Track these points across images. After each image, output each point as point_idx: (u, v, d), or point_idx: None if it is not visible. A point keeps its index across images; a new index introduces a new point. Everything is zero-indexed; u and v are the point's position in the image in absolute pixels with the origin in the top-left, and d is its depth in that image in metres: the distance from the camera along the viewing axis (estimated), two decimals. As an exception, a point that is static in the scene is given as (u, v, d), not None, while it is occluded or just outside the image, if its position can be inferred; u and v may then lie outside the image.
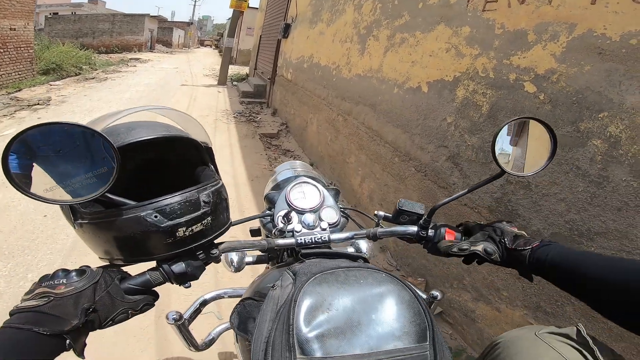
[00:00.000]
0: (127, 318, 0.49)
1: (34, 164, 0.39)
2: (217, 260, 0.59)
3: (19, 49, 8.21)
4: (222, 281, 1.89)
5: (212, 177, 0.60)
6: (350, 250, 0.79)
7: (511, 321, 1.51)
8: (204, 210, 0.53)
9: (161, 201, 0.49)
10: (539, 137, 0.62)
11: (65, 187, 0.41)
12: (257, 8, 12.02)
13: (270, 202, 0.78)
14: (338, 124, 3.41)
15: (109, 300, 0.46)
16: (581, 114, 1.21)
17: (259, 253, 0.79)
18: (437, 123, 1.94)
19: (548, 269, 0.54)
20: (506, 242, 0.60)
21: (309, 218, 0.72)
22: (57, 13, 26.35)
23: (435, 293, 0.69)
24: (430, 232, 0.67)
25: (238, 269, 0.73)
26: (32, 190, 0.39)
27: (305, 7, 5.37)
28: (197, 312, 0.74)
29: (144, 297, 0.50)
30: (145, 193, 0.53)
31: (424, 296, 0.69)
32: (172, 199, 0.50)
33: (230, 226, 0.62)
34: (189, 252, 0.53)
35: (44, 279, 0.44)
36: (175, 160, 0.66)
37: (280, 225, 0.70)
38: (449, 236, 0.66)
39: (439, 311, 1.86)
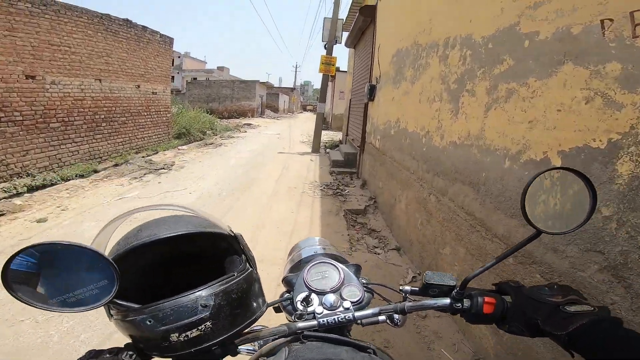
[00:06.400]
0: None
1: (38, 275, 0.44)
2: (234, 353, 0.59)
3: (159, 112, 9.20)
4: None
5: (234, 269, 0.61)
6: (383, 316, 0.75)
7: None
8: (201, 315, 0.52)
9: (155, 306, 0.51)
10: (577, 191, 0.57)
11: (68, 298, 0.45)
12: (346, 71, 11.87)
13: (289, 284, 0.78)
14: (430, 206, 2.82)
15: None
16: None
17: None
18: (583, 216, 1.30)
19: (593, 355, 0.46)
20: (538, 321, 0.54)
21: (330, 298, 0.71)
22: (196, 78, 31.98)
23: None
24: (466, 302, 0.64)
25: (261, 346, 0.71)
26: (30, 299, 0.43)
27: (387, 65, 4.87)
28: None
29: None
30: (176, 287, 0.55)
31: None
32: (165, 304, 0.51)
33: (256, 320, 0.61)
34: (202, 350, 0.54)
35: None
36: (211, 251, 0.68)
37: (300, 308, 0.70)
38: (488, 306, 0.61)
39: None
